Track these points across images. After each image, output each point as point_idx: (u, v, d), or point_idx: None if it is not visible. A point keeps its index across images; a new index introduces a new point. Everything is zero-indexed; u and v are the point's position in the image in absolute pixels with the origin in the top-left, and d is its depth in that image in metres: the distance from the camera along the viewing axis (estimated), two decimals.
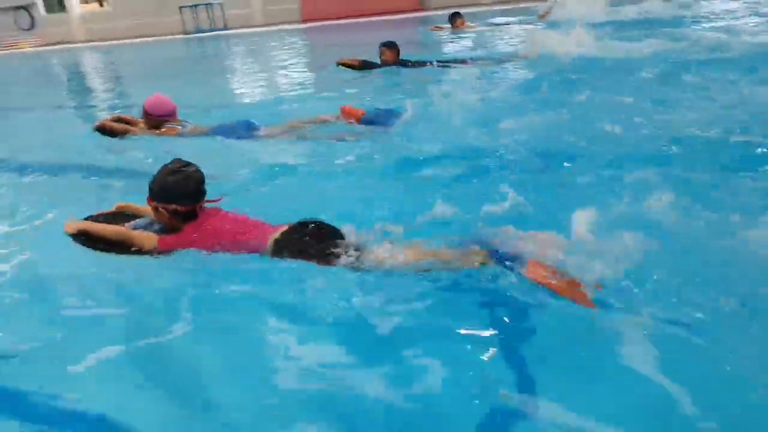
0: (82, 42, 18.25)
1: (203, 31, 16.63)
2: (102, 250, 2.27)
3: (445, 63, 6.18)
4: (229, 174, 3.17)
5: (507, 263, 1.93)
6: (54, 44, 18.45)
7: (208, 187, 2.31)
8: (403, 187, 2.82)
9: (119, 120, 4.32)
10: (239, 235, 2.16)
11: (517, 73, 5.56)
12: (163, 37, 16.68)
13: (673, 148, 3.03)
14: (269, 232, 2.15)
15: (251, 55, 11.07)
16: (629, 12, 9.04)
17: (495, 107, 4.22)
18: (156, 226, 2.33)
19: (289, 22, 16.43)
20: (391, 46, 6.19)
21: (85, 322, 2.01)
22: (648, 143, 3.13)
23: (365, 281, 1.97)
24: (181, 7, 16.76)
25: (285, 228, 2.15)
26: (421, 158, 3.17)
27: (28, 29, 19.36)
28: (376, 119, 3.84)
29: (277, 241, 2.10)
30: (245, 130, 3.97)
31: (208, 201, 2.30)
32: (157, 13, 17.93)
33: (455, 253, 2.00)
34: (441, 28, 9.80)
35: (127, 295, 2.10)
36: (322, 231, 2.10)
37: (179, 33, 16.94)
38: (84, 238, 2.30)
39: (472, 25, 9.74)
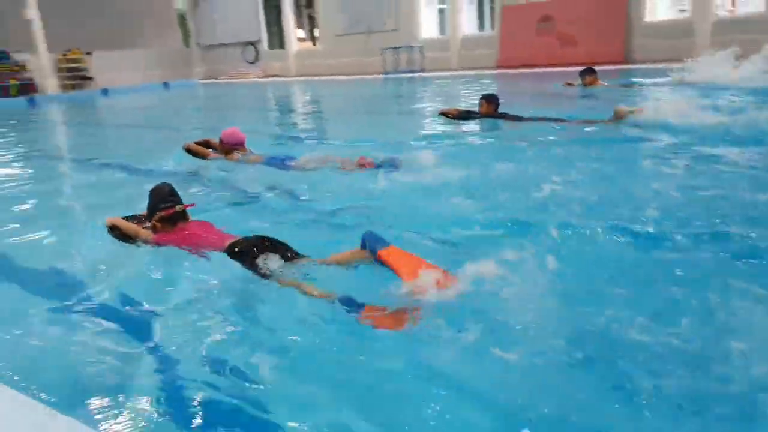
0: (294, 76, 20.10)
1: (401, 72, 17.38)
2: (121, 239, 3.07)
3: (542, 119, 6.19)
4: (257, 190, 4.23)
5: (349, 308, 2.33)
6: (272, 76, 20.55)
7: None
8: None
9: (205, 143, 5.28)
10: (204, 239, 2.86)
11: (586, 135, 5.56)
12: (364, 76, 17.74)
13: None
14: (227, 239, 2.82)
15: (426, 96, 11.45)
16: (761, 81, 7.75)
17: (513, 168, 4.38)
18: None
19: (486, 68, 16.52)
20: (489, 99, 6.48)
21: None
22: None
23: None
24: (383, 49, 17.72)
25: (236, 238, 2.80)
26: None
27: (253, 62, 21.75)
28: (385, 162, 4.57)
29: (229, 246, 2.75)
30: (284, 160, 4.83)
31: (186, 206, 3.06)
32: (361, 54, 19.15)
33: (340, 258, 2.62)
34: (572, 84, 9.68)
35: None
36: (263, 243, 2.69)
37: (380, 73, 17.93)
38: (113, 229, 3.12)
39: (605, 83, 9.45)
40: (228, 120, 10.35)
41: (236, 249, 2.68)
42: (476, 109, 6.68)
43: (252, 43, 21.61)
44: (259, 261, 2.59)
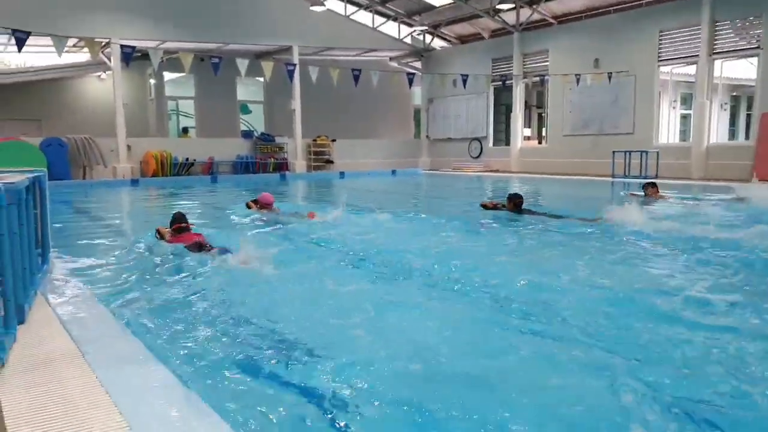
0: (515, 172, 19.63)
1: (631, 177, 15.80)
2: (160, 238, 5.68)
3: (555, 216, 7.49)
4: (266, 225, 7.37)
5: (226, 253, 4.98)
6: (493, 171, 20.35)
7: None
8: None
9: (255, 201, 8.36)
10: (190, 240, 5.42)
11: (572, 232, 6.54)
12: (590, 177, 16.54)
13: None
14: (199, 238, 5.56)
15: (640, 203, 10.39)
16: None
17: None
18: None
19: (737, 180, 14.22)
20: (510, 197, 8.03)
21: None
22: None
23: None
24: (614, 152, 16.45)
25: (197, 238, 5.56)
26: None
27: (476, 157, 21.93)
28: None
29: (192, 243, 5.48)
30: (290, 215, 7.98)
31: (188, 225, 5.76)
32: (589, 155, 18.10)
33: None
34: (636, 195, 10.29)
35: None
36: (199, 244, 5.39)
37: (608, 175, 16.55)
38: (158, 231, 5.77)
39: (666, 195, 10.16)
40: (431, 205, 11.47)
41: (185, 246, 5.34)
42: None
43: (478, 139, 21.92)
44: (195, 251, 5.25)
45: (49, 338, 2.74)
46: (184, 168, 18.03)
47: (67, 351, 2.57)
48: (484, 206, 8.30)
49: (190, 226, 5.79)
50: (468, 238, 6.13)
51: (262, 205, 8.30)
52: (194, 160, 18.21)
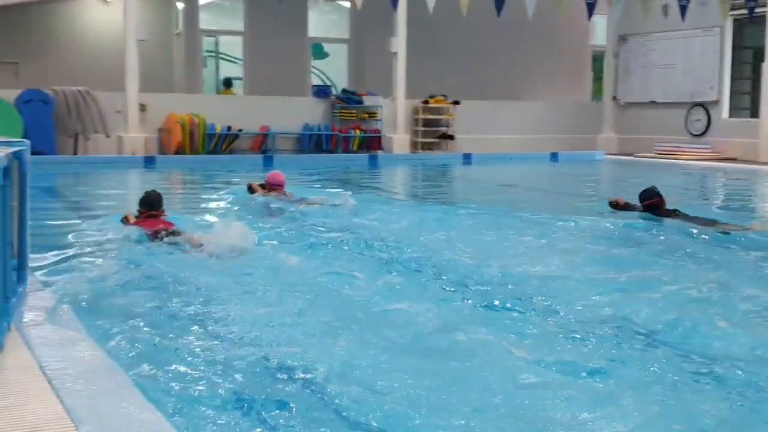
0: (766, 163, 18.00)
1: None
2: (124, 222, 7.44)
3: (708, 222, 8.34)
4: (268, 212, 9.33)
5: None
6: (728, 160, 18.80)
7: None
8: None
9: (261, 185, 9.84)
10: (155, 226, 7.03)
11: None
12: None
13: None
14: (167, 226, 7.20)
15: None
16: None
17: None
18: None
19: None
20: (642, 195, 8.84)
21: None
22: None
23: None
24: None
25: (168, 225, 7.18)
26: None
27: (699, 135, 20.42)
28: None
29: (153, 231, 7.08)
30: (301, 200, 9.71)
31: (158, 212, 7.29)
32: None
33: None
34: None
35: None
36: (169, 229, 7.04)
37: None
38: (124, 217, 7.65)
39: None
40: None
41: (155, 232, 6.90)
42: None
43: (703, 106, 20.41)
44: (164, 236, 6.96)
45: (27, 403, 2.91)
46: (225, 141, 17.98)
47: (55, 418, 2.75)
48: (614, 204, 9.15)
49: (162, 214, 7.17)
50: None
51: (271, 188, 9.52)
52: (240, 129, 18.10)
